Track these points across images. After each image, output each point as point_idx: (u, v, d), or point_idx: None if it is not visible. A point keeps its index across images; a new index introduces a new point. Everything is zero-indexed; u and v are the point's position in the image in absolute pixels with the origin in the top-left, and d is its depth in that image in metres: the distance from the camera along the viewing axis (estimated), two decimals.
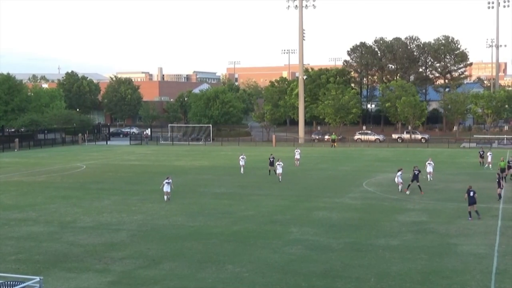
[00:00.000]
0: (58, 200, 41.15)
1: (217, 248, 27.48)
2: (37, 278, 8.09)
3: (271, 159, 53.16)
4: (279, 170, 49.72)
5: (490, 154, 58.02)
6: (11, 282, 8.37)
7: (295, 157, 61.60)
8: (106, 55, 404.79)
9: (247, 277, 23.02)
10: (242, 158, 56.10)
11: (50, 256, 26.47)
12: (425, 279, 22.54)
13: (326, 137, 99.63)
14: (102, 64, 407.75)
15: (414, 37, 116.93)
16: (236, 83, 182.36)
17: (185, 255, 26.34)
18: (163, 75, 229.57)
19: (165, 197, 39.52)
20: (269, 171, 53.07)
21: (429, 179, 47.81)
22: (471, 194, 33.14)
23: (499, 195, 39.15)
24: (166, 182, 39.70)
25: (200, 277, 23.05)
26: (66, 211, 36.88)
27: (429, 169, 48.35)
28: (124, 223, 33.28)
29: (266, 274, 23.33)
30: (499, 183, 39.27)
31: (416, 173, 42.04)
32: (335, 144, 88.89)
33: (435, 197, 41.12)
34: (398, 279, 22.52)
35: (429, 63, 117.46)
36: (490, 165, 56.75)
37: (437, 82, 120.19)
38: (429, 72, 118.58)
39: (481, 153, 59.86)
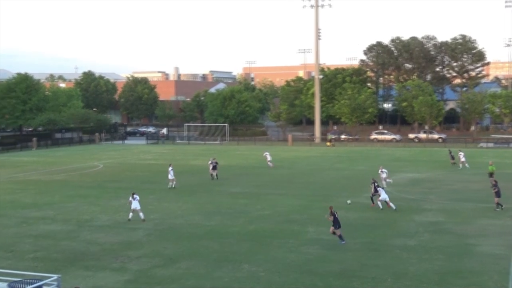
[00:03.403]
0: (76, 199, 41.42)
1: (234, 247, 27.52)
2: (55, 276, 8.16)
3: (214, 163, 50.92)
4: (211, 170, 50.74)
5: (461, 154, 58.25)
6: (30, 280, 8.44)
7: (267, 159, 60.23)
8: (123, 55, 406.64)
9: (263, 277, 23.04)
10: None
11: (68, 254, 26.66)
12: (442, 280, 22.43)
13: (343, 136, 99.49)
14: (119, 63, 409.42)
15: (431, 36, 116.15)
16: (252, 83, 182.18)
17: (202, 254, 26.41)
18: (179, 75, 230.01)
19: (131, 214, 33.86)
20: (211, 175, 50.73)
21: (385, 186, 43.62)
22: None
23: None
24: (133, 199, 34.02)
25: (217, 276, 23.11)
26: (83, 210, 37.11)
27: (384, 175, 45.00)
28: (140, 222, 33.40)
29: (282, 274, 23.33)
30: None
31: (376, 185, 38.26)
32: (330, 143, 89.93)
33: (452, 197, 40.88)
34: (415, 280, 22.43)
35: (446, 62, 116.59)
36: (467, 164, 56.91)
37: (454, 82, 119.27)
38: (446, 72, 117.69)
39: (450, 153, 60.54)
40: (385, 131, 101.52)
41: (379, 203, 36.62)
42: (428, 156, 69.95)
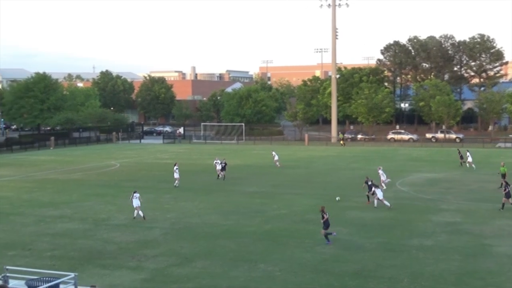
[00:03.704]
0: (93, 198, 41.68)
1: (250, 246, 27.56)
2: (72, 274, 8.22)
3: (223, 164, 50.82)
4: (218, 167, 51.16)
5: (469, 154, 57.98)
6: (47, 278, 8.51)
7: (274, 158, 60.40)
8: (140, 55, 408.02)
9: (279, 276, 23.04)
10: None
11: (85, 252, 26.84)
12: (459, 280, 22.31)
13: (359, 136, 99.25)
14: (136, 63, 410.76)
15: (448, 36, 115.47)
16: (269, 82, 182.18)
17: (218, 253, 26.46)
18: (196, 74, 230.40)
19: (135, 212, 34.25)
20: (218, 175, 50.87)
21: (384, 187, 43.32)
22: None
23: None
24: (135, 196, 34.50)
25: (233, 276, 23.14)
26: (100, 209, 37.33)
27: (383, 178, 44.24)
28: (157, 221, 33.57)
29: (298, 273, 23.32)
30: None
31: (369, 184, 38.68)
32: (343, 142, 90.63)
33: (470, 197, 40.62)
34: (431, 280, 22.33)
35: (464, 61, 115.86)
36: (473, 165, 56.53)
37: (472, 81, 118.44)
38: (464, 71, 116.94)
39: (459, 153, 60.14)
40: (402, 131, 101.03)
41: (375, 201, 36.97)
42: (446, 156, 69.52)
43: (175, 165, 48.52)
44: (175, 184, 46.68)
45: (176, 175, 46.94)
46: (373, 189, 37.46)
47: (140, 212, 33.92)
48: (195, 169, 54.55)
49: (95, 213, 35.97)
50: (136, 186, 46.71)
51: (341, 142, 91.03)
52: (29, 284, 8.36)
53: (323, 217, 28.09)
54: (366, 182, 38.91)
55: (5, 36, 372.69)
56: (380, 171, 44.69)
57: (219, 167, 51.01)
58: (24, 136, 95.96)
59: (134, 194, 34.32)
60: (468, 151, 59.75)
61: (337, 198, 38.37)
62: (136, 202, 34.06)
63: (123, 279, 22.87)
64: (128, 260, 25.47)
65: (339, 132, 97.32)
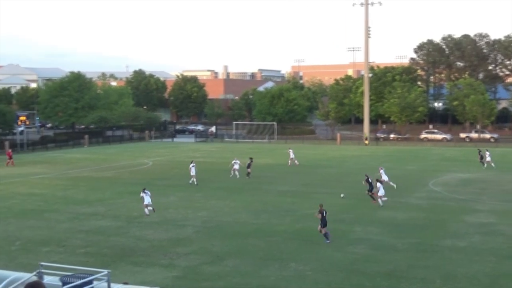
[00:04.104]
0: (126, 196, 42.08)
1: (280, 245, 27.55)
2: (105, 271, 8.32)
3: (249, 162, 51.74)
4: (235, 167, 51.69)
5: (488, 154, 57.97)
6: (81, 275, 8.63)
7: (290, 156, 60.65)
8: (173, 54, 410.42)
9: (310, 276, 23.00)
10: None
11: (118, 250, 27.11)
12: (493, 283, 22.01)
13: (392, 136, 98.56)
14: (168, 62, 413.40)
15: (483, 34, 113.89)
16: (301, 81, 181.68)
17: (249, 252, 26.51)
18: (228, 73, 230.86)
19: (146, 210, 35.09)
20: (248, 173, 51.13)
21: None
22: None
23: None
24: (145, 194, 35.45)
25: (263, 275, 23.16)
26: (133, 206, 37.65)
27: (386, 178, 43.81)
28: (189, 219, 33.76)
29: (329, 273, 23.25)
30: None
31: (370, 181, 38.88)
32: (367, 141, 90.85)
33: (504, 198, 40.04)
34: (464, 282, 22.06)
35: (499, 60, 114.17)
36: (493, 164, 56.27)
37: (507, 80, 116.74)
38: (499, 70, 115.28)
39: (479, 153, 59.94)
40: (436, 130, 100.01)
41: (379, 200, 37.01)
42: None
43: (191, 162, 49.01)
44: (190, 182, 47.13)
45: (192, 173, 47.34)
46: (378, 185, 37.59)
47: (146, 210, 34.84)
48: (226, 168, 54.67)
49: (127, 211, 36.31)
50: (168, 185, 47.14)
51: (365, 141, 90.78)
52: (63, 280, 8.47)
53: (321, 214, 28.28)
54: (367, 181, 39.18)
55: (41, 36, 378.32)
56: (382, 171, 44.62)
57: (236, 166, 51.74)
58: (59, 134, 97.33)
59: (145, 191, 35.30)
60: (487, 150, 59.72)
61: (341, 195, 39.09)
62: (147, 199, 35.00)
63: (155, 276, 23.04)
64: (160, 258, 25.66)
65: (364, 132, 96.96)
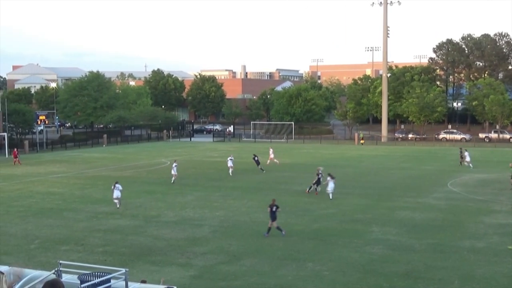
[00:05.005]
0: (143, 195, 42.28)
1: (298, 245, 27.55)
2: (123, 270, 8.40)
3: (255, 159, 54.59)
4: (229, 164, 52.76)
5: (467, 153, 57.86)
6: (99, 273, 8.71)
7: (270, 156, 60.76)
8: (191, 53, 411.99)
9: (327, 276, 22.98)
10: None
11: (135, 249, 27.27)
12: None
13: (410, 135, 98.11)
14: (187, 62, 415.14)
15: (503, 34, 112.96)
16: (319, 81, 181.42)
17: (266, 251, 26.54)
18: (246, 73, 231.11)
19: (116, 202, 36.84)
20: (261, 169, 54.05)
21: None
22: None
23: None
24: (115, 187, 37.03)
25: (280, 274, 23.18)
26: (150, 206, 37.85)
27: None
28: (206, 218, 33.86)
29: (346, 273, 23.22)
30: None
31: (319, 177, 42.08)
32: (363, 141, 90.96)
33: None
34: (483, 283, 21.92)
35: None
36: (470, 165, 56.35)
37: None
38: None
39: (460, 152, 60.13)
40: (455, 131, 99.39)
41: (330, 195, 39.27)
42: (499, 157, 68.10)
43: (174, 161, 50.04)
44: (172, 180, 47.85)
45: (173, 172, 48.05)
46: (328, 179, 39.82)
47: (117, 202, 36.48)
48: (244, 168, 54.77)
49: (145, 210, 36.49)
50: (185, 184, 47.29)
51: (361, 141, 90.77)
52: (81, 279, 8.56)
53: (274, 209, 29.21)
54: (317, 174, 41.81)
55: (60, 36, 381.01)
56: (466, 153, 45.68)
57: (230, 163, 52.89)
58: (77, 134, 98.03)
59: (116, 185, 36.72)
60: (466, 150, 59.61)
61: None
62: (116, 193, 36.52)
63: (173, 275, 23.14)
64: (177, 257, 25.77)
65: (360, 133, 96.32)
